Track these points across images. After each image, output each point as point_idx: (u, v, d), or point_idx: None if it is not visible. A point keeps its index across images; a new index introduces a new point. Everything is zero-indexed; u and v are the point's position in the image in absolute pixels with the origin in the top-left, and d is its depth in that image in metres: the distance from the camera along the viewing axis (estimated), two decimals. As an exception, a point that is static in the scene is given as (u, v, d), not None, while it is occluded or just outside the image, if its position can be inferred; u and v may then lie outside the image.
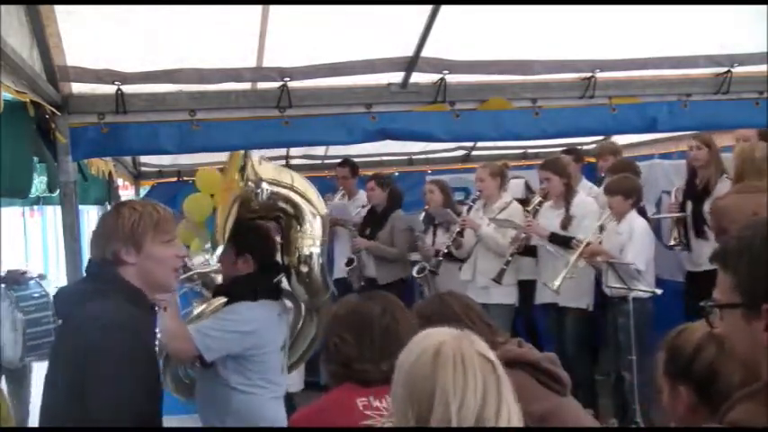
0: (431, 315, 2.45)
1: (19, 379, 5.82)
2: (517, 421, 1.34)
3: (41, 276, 6.03)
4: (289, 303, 3.56)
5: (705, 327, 1.73)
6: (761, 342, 1.34)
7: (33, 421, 3.41)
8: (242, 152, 3.46)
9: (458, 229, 5.66)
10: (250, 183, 3.27)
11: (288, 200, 3.40)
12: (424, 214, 6.17)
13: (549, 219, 5.47)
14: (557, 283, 5.02)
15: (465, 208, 5.83)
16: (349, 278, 6.34)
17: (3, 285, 5.52)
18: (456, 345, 1.36)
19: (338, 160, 6.63)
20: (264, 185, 3.31)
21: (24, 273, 5.80)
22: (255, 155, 3.39)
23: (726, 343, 1.45)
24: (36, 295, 5.74)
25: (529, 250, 5.53)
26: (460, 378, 1.29)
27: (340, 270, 6.44)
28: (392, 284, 6.07)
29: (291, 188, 3.40)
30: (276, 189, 3.36)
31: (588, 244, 5.02)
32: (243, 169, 3.31)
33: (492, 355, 1.40)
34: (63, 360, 2.18)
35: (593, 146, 6.80)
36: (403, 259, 6.30)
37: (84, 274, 2.39)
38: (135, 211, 2.29)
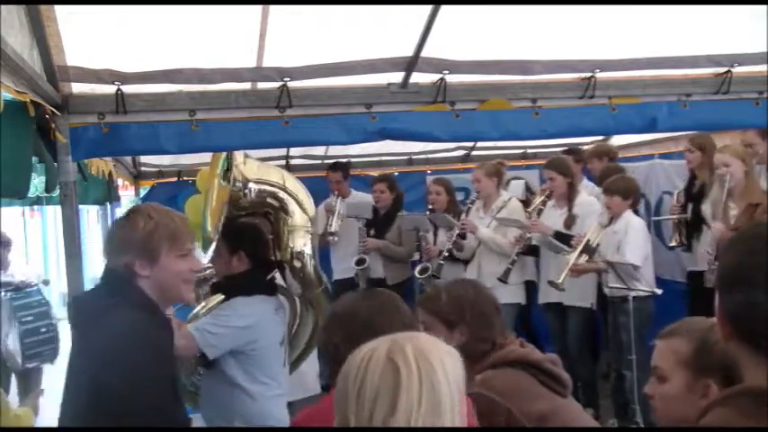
0: (464, 297, 2.47)
1: (26, 379, 5.88)
2: None
3: (46, 282, 6.06)
4: (283, 301, 3.56)
5: None
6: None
7: (41, 420, 3.41)
8: (224, 154, 3.47)
9: (457, 232, 5.61)
10: (237, 183, 3.28)
11: (274, 196, 3.41)
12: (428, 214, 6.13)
13: (553, 218, 5.46)
14: (562, 276, 5.00)
15: (465, 209, 5.80)
16: (356, 279, 6.27)
17: (3, 293, 5.56)
18: (377, 345, 1.38)
19: (339, 160, 6.62)
20: (251, 184, 3.33)
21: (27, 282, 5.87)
22: (239, 155, 3.39)
23: None
24: (35, 304, 5.79)
25: (532, 249, 5.52)
26: (361, 375, 1.34)
27: (345, 270, 6.40)
28: (400, 284, 6.08)
29: (276, 185, 3.41)
30: (263, 186, 3.38)
31: (588, 241, 5.01)
32: (228, 171, 3.32)
33: (414, 363, 1.32)
34: (83, 374, 2.08)
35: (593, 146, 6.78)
36: (410, 259, 6.29)
37: (100, 281, 2.25)
38: (150, 220, 2.15)
